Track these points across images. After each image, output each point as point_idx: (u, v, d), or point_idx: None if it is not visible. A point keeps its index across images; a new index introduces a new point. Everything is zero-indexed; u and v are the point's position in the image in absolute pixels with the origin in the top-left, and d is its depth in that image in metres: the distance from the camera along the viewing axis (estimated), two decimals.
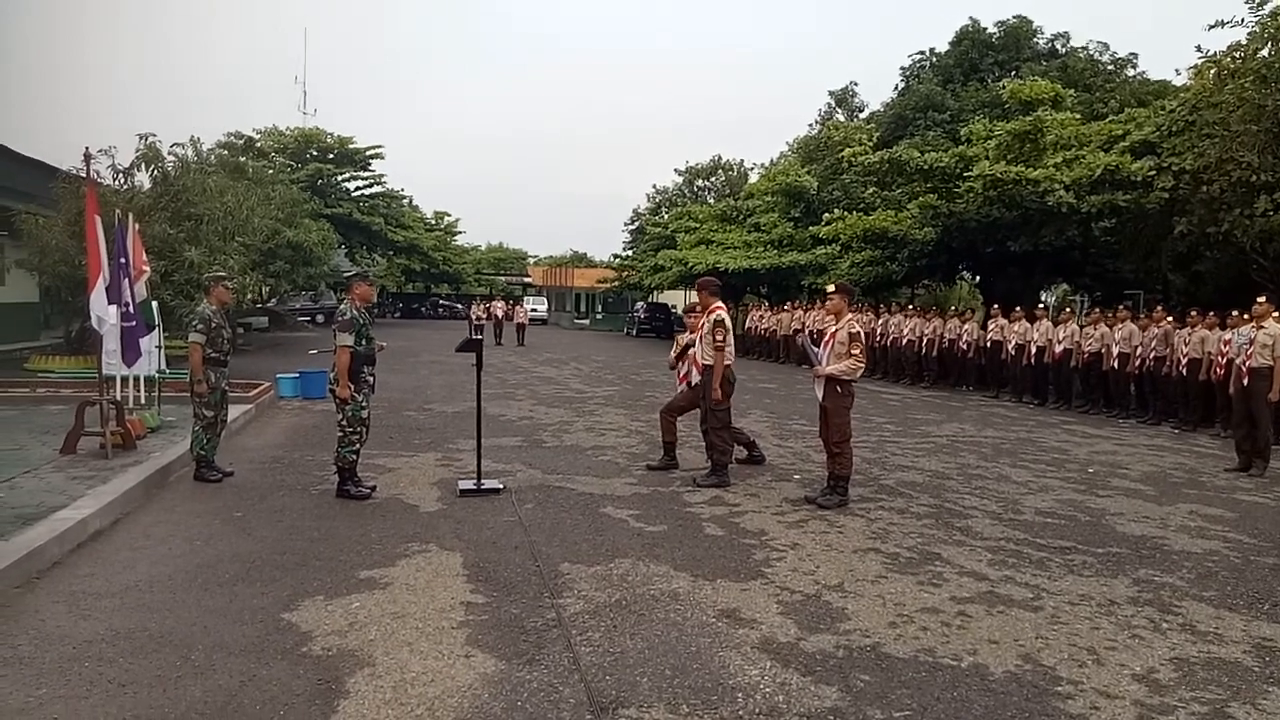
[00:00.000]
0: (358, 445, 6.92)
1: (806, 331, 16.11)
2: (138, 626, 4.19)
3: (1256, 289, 17.16)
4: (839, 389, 6.83)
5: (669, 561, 5.39)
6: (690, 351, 8.14)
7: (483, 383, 7.42)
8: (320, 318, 41.88)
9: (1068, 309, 23.32)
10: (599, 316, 52.77)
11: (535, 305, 42.53)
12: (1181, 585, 5.16)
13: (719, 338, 7.47)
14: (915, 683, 3.74)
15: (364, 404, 6.95)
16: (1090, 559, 5.66)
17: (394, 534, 5.90)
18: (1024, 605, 4.74)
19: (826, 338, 6.97)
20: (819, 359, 6.96)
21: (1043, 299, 26.74)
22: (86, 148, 7.98)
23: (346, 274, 7.41)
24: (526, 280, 66.04)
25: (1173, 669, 3.96)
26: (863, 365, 6.82)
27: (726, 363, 7.56)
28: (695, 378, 8.00)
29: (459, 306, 53.45)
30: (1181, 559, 5.72)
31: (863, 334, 6.91)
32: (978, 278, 28.45)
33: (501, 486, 7.23)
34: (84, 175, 15.29)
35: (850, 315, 6.95)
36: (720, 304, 7.74)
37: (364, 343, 6.91)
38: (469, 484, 7.18)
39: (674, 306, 36.95)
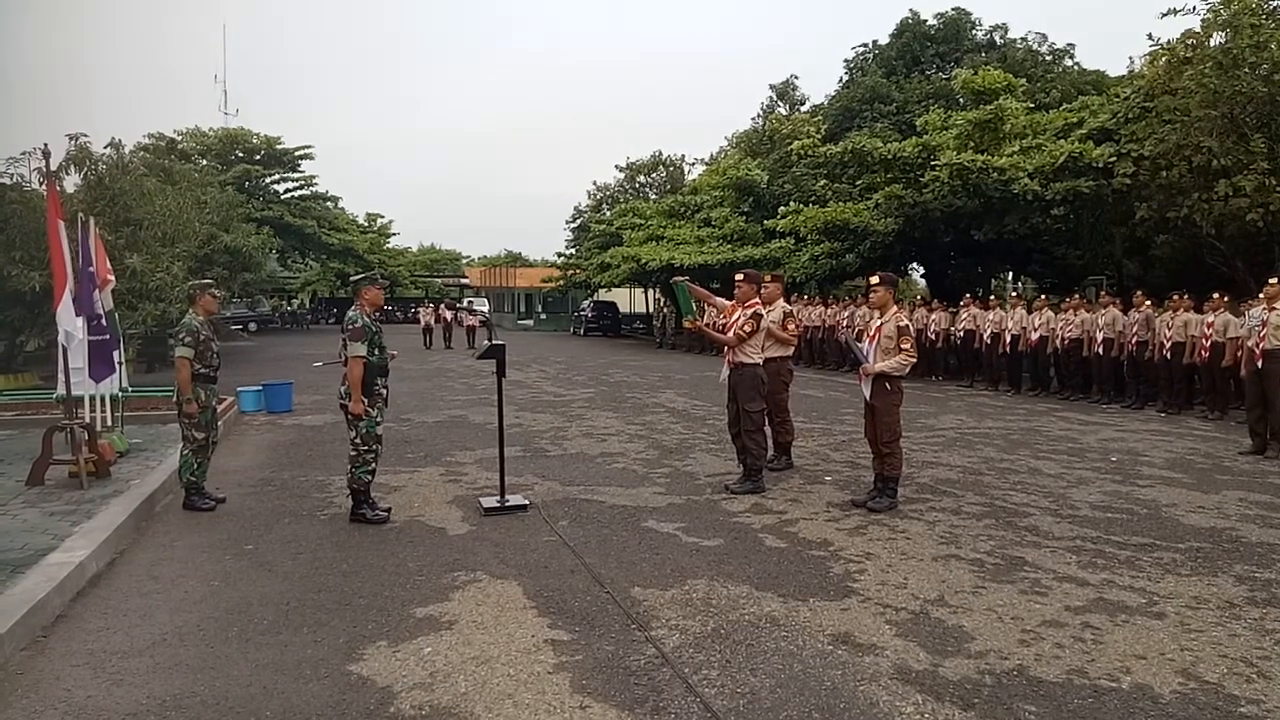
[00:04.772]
0: (373, 464, 6.33)
1: (853, 330, 15.94)
2: (185, 691, 3.60)
3: (1208, 272, 17.56)
4: (888, 386, 6.49)
5: (746, 580, 4.97)
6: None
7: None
8: (254, 326, 40.33)
9: (1014, 294, 23.58)
10: (542, 317, 51.89)
11: (479, 306, 41.64)
12: None
13: (747, 330, 7.18)
14: (1087, 712, 3.39)
15: (378, 419, 6.37)
16: (1177, 556, 5.42)
17: (432, 562, 5.35)
18: (1145, 613, 4.44)
19: (872, 333, 6.62)
20: (865, 356, 6.60)
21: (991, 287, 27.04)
22: (45, 144, 7.14)
23: (352, 278, 6.79)
24: (464, 281, 64.53)
25: None
26: (914, 359, 6.47)
27: (759, 359, 7.24)
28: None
29: (399, 313, 51.97)
30: (1268, 552, 5.52)
31: (911, 327, 6.58)
32: (923, 268, 28.65)
33: (527, 503, 6.70)
34: (9, 180, 14.25)
35: (896, 308, 6.60)
36: (759, 300, 7.37)
37: (376, 352, 6.33)
38: (492, 501, 6.63)
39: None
